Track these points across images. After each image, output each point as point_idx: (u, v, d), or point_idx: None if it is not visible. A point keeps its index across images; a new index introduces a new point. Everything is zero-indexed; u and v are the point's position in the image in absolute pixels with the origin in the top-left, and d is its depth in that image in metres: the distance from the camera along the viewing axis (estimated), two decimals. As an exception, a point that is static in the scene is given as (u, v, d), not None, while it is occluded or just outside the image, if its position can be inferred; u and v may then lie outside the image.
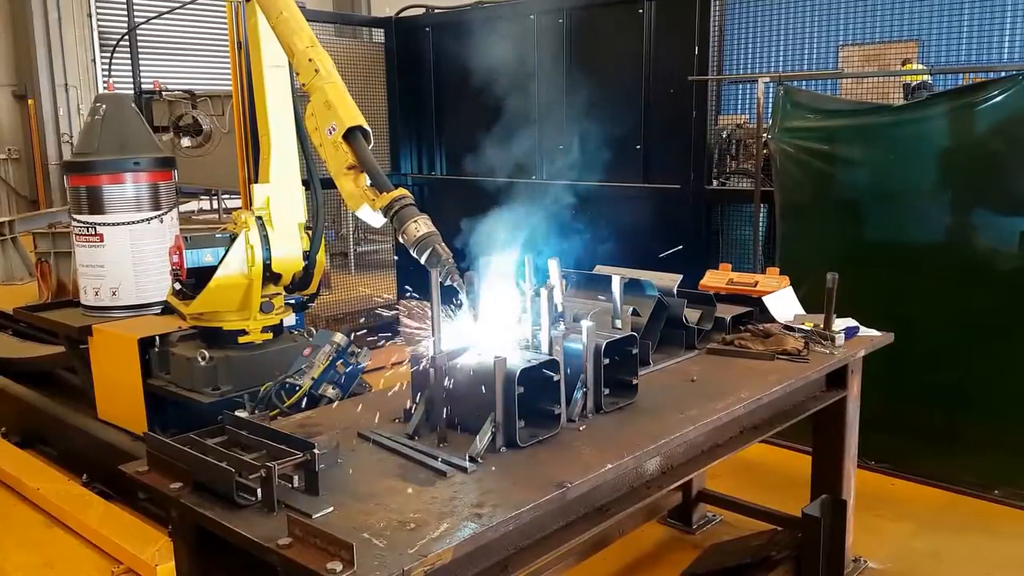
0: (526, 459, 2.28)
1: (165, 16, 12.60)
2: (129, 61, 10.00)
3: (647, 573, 3.86)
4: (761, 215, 5.18)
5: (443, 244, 2.65)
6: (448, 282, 2.58)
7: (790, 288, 3.79)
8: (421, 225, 2.68)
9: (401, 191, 2.80)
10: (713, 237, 5.58)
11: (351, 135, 2.98)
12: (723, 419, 2.65)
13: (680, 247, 4.43)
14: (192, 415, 3.68)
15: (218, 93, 9.82)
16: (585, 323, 2.61)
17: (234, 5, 5.71)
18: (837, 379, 3.41)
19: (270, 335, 4.04)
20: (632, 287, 3.27)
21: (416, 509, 1.97)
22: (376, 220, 2.87)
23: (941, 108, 4.43)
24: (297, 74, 3.35)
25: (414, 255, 2.67)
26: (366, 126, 3.03)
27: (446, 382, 2.45)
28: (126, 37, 9.85)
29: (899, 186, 4.56)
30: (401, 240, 2.70)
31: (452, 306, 2.62)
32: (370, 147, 3.00)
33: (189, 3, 12.12)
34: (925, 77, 5.36)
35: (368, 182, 2.92)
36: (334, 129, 3.00)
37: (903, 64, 5.43)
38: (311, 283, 4.09)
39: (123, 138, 5.00)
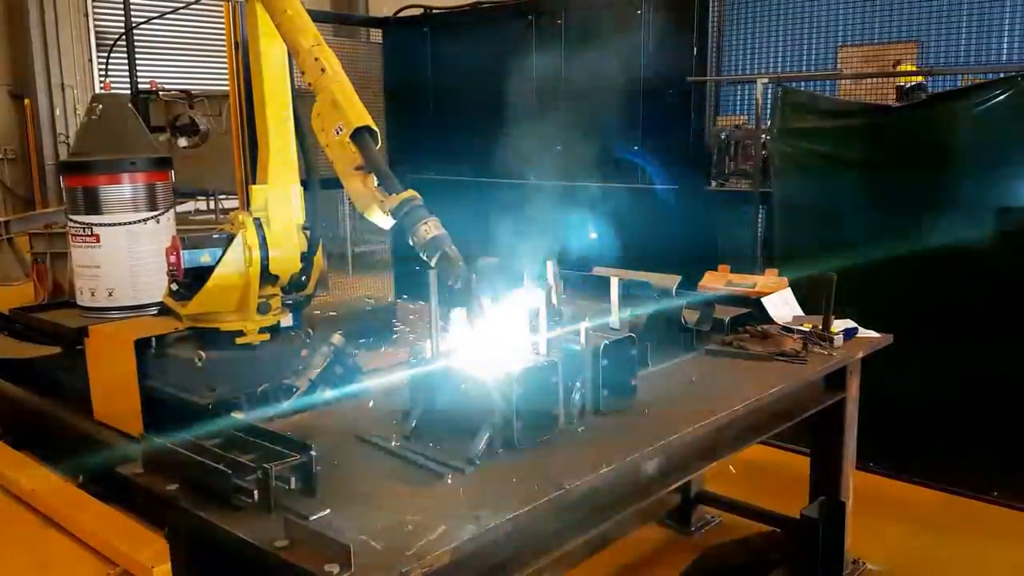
0: (524, 461, 2.27)
1: (160, 15, 12.58)
2: (126, 61, 9.98)
3: (646, 575, 3.85)
4: (760, 216, 5.17)
5: (453, 247, 2.62)
6: (457, 286, 2.55)
7: (789, 289, 3.79)
8: (431, 227, 2.65)
9: (411, 192, 2.77)
10: (712, 238, 5.57)
11: (358, 135, 2.95)
12: (722, 420, 2.65)
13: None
14: (189, 416, 3.66)
15: (215, 93, 9.82)
16: (583, 324, 2.60)
17: (232, 4, 5.70)
18: (836, 380, 3.40)
19: (267, 336, 4.02)
20: (630, 288, 3.26)
21: (414, 511, 1.96)
22: (385, 222, 2.84)
23: (940, 109, 4.43)
24: (302, 73, 3.32)
25: (424, 258, 2.64)
26: (374, 126, 3.01)
27: (444, 383, 2.43)
28: (123, 37, 9.84)
29: (898, 187, 4.56)
30: (411, 243, 2.68)
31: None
32: (377, 147, 2.98)
33: (192, 3, 12.10)
34: (921, 78, 5.35)
35: (376, 183, 2.89)
36: (341, 129, 2.97)
37: (894, 66, 5.43)
38: (308, 284, 4.07)
39: (120, 138, 4.98)
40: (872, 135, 4.64)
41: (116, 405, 4.37)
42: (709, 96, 5.50)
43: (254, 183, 3.95)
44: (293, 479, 2.05)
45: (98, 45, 15.86)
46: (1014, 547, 4.04)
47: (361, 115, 3.01)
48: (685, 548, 4.01)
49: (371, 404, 2.72)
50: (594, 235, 4.49)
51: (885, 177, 4.60)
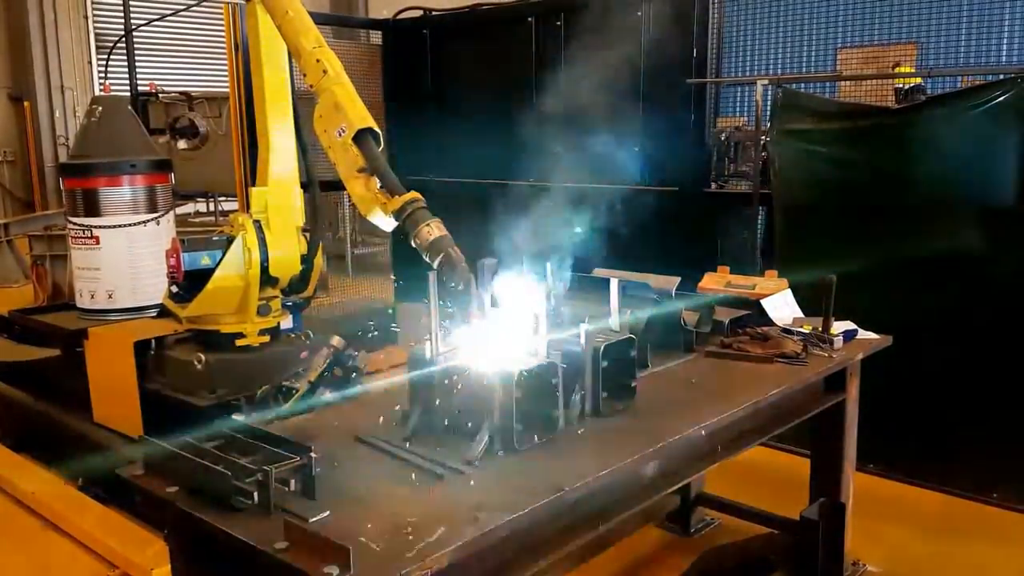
0: (524, 463, 2.27)
1: (161, 17, 12.58)
2: (125, 63, 9.98)
3: (645, 577, 3.85)
4: (760, 217, 5.17)
5: (456, 248, 2.61)
6: (461, 288, 2.55)
7: (788, 291, 3.79)
8: (434, 229, 2.64)
9: (413, 194, 2.77)
10: (711, 239, 5.57)
11: (361, 137, 2.95)
12: (721, 422, 2.64)
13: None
14: (188, 418, 3.66)
15: (215, 95, 9.81)
16: (583, 326, 2.59)
17: (232, 6, 5.70)
18: (835, 382, 3.40)
19: (267, 338, 4.03)
20: (630, 289, 3.26)
21: (413, 513, 1.95)
22: (388, 224, 2.84)
23: (940, 111, 4.43)
24: (304, 75, 3.32)
25: (427, 260, 2.64)
26: (376, 128, 3.00)
27: (443, 385, 2.43)
28: (123, 39, 9.84)
29: (897, 188, 4.56)
30: (413, 244, 2.68)
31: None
32: (380, 149, 2.98)
33: (193, 5, 12.08)
34: (919, 80, 5.35)
35: (379, 185, 2.89)
36: (343, 131, 2.97)
37: (893, 67, 5.43)
38: (308, 286, 4.07)
39: (119, 140, 4.98)
40: (872, 137, 4.64)
41: (116, 407, 4.37)
42: (709, 98, 5.50)
43: (254, 185, 3.95)
44: (293, 481, 2.05)
45: (98, 47, 15.88)
46: (1014, 549, 4.03)
47: (363, 117, 3.01)
48: (685, 550, 4.01)
49: (370, 406, 2.72)
50: (580, 230, 4.47)
51: (884, 178, 4.60)
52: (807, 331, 3.39)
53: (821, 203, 4.85)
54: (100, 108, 5.05)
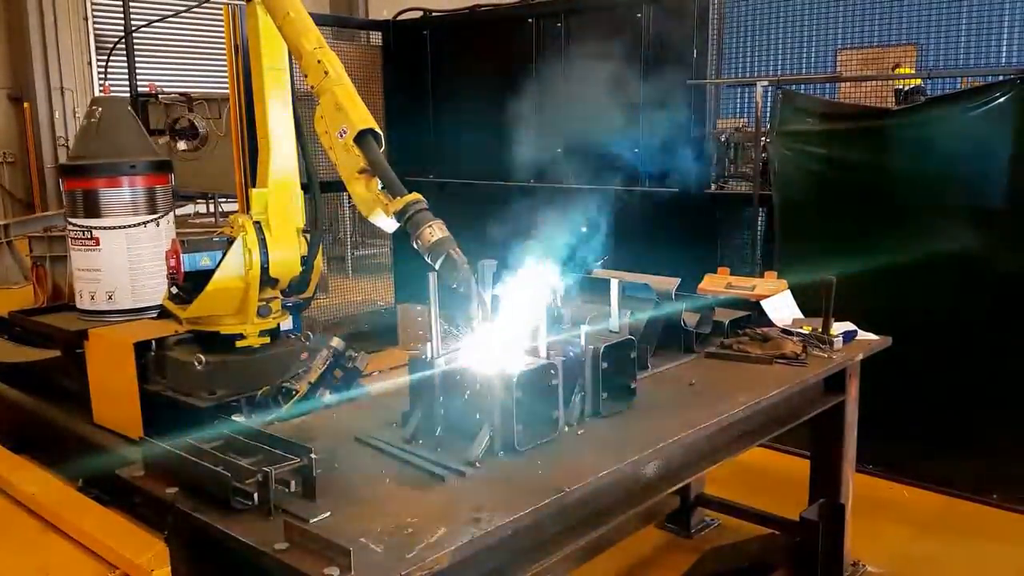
0: (524, 463, 2.27)
1: (162, 18, 12.59)
2: (125, 64, 9.98)
3: (645, 578, 3.85)
4: (760, 219, 5.17)
5: (458, 249, 2.61)
6: (462, 289, 2.54)
7: (788, 292, 3.79)
8: (436, 230, 2.64)
9: (415, 195, 2.76)
10: (711, 240, 5.57)
11: (362, 138, 2.95)
12: (721, 423, 2.64)
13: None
14: (188, 419, 3.67)
15: (214, 96, 9.82)
16: (583, 327, 2.60)
17: (232, 7, 5.71)
18: (835, 383, 3.40)
19: (267, 339, 4.03)
20: (630, 290, 3.26)
21: (413, 514, 1.96)
22: (389, 225, 2.84)
23: (939, 112, 4.43)
24: (305, 76, 3.32)
25: (428, 261, 2.63)
26: (377, 129, 3.00)
27: (444, 386, 2.43)
28: (122, 40, 9.84)
29: (897, 189, 4.56)
30: (415, 246, 2.67)
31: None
32: (381, 150, 2.98)
33: (194, 6, 12.09)
34: (919, 81, 5.35)
35: (380, 186, 2.89)
36: (345, 132, 2.97)
37: (893, 69, 5.43)
38: (308, 287, 4.08)
39: (119, 141, 4.99)
40: (871, 138, 4.64)
41: (116, 408, 4.37)
42: (709, 99, 5.51)
43: (254, 186, 3.95)
44: (293, 482, 2.05)
45: (97, 48, 15.88)
46: (1014, 549, 4.03)
47: (364, 118, 3.01)
48: (685, 551, 4.01)
49: (371, 407, 2.72)
50: (580, 231, 4.48)
51: (884, 180, 4.60)
52: (807, 332, 3.39)
53: (821, 204, 4.85)
54: (100, 109, 5.06)
